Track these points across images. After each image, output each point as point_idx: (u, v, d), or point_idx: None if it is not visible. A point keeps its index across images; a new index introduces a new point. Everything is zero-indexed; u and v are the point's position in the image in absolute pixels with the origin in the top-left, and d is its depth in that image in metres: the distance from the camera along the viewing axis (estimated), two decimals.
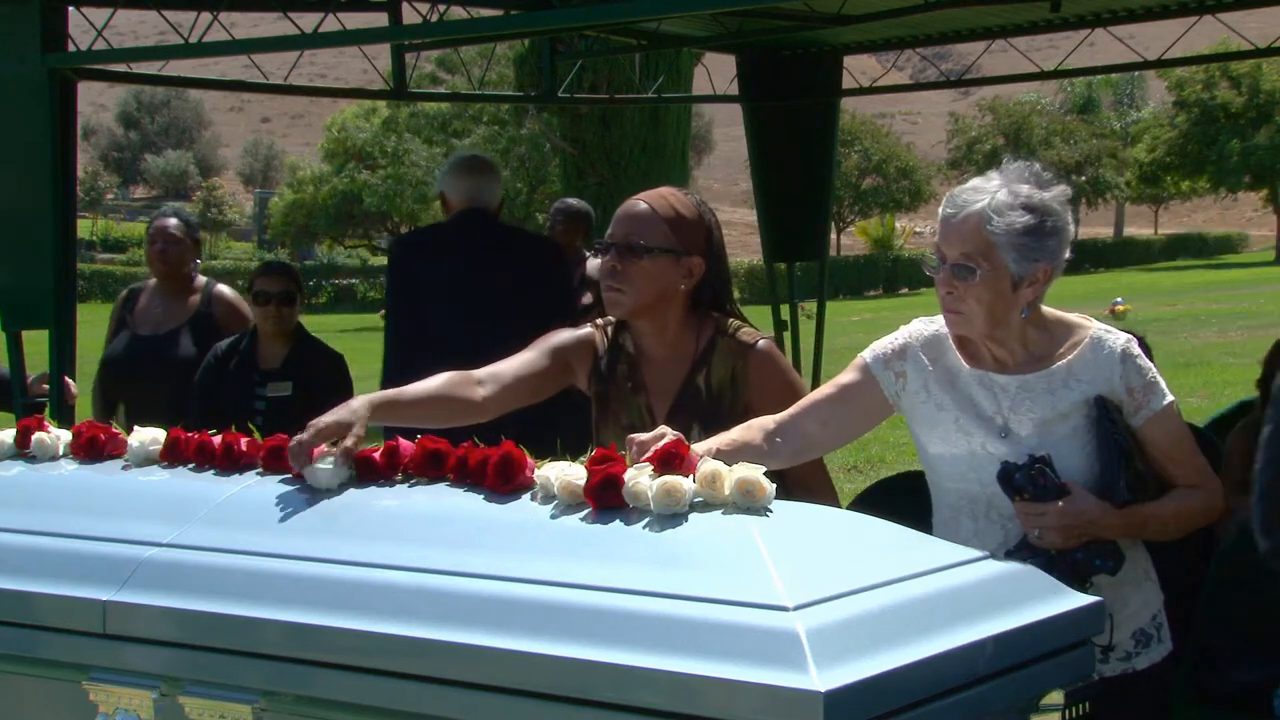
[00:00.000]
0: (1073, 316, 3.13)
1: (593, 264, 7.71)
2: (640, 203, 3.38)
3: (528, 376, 3.40)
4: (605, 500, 2.42)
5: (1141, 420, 3.01)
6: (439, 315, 5.30)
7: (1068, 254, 3.04)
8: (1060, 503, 2.90)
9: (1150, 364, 3.06)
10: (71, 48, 4.92)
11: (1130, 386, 3.00)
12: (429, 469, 2.68)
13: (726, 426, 3.26)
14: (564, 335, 3.53)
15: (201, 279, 6.06)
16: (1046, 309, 3.11)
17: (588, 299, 7.63)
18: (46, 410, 4.27)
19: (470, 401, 3.23)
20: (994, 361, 3.09)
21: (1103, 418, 2.99)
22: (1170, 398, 3.04)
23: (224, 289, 6.07)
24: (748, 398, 3.36)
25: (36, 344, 5.01)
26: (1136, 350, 3.03)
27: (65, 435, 3.14)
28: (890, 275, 50.04)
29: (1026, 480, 2.92)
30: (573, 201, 7.94)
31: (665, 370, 3.44)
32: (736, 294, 3.59)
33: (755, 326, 3.49)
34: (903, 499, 3.58)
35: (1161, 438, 3.02)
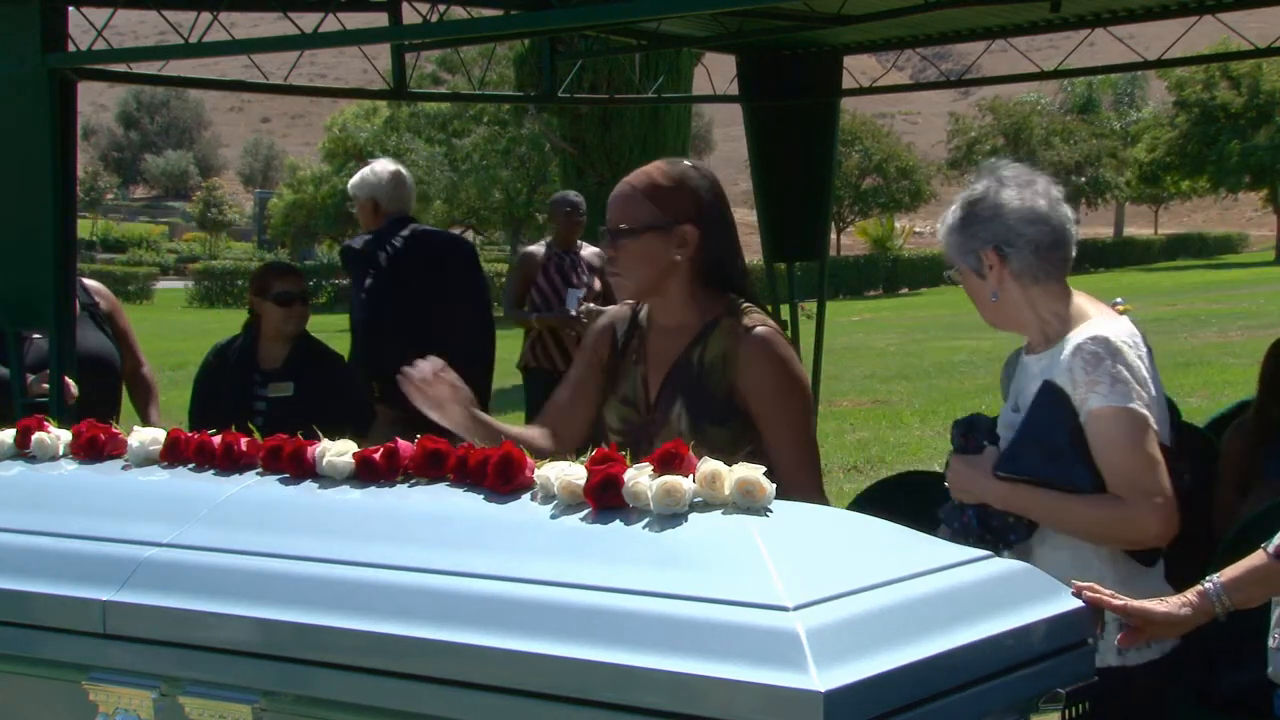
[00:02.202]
0: (1092, 309, 3.15)
1: (588, 250, 8.11)
2: (624, 184, 3.39)
3: (579, 391, 3.55)
4: (605, 500, 2.42)
5: (1083, 416, 3.01)
6: (410, 311, 5.94)
7: (1028, 231, 3.08)
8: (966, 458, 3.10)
9: (1113, 365, 3.00)
10: (71, 48, 4.91)
11: (1075, 379, 3.01)
12: (429, 469, 2.68)
13: (711, 405, 3.30)
14: (591, 329, 3.64)
15: None
16: (1082, 299, 3.17)
17: (598, 285, 8.03)
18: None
19: (542, 451, 3.24)
20: (1029, 346, 3.25)
21: (1037, 397, 3.06)
22: (1114, 403, 2.98)
23: (90, 280, 5.92)
24: (734, 379, 3.33)
25: None
26: (1096, 348, 3.01)
27: (65, 435, 3.14)
28: (890, 275, 49.98)
29: (954, 433, 3.16)
30: (573, 194, 8.71)
31: (667, 343, 3.42)
32: None
33: (768, 314, 3.45)
34: (903, 499, 3.59)
35: (1095, 438, 3.00)
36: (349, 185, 6.48)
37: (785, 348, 3.41)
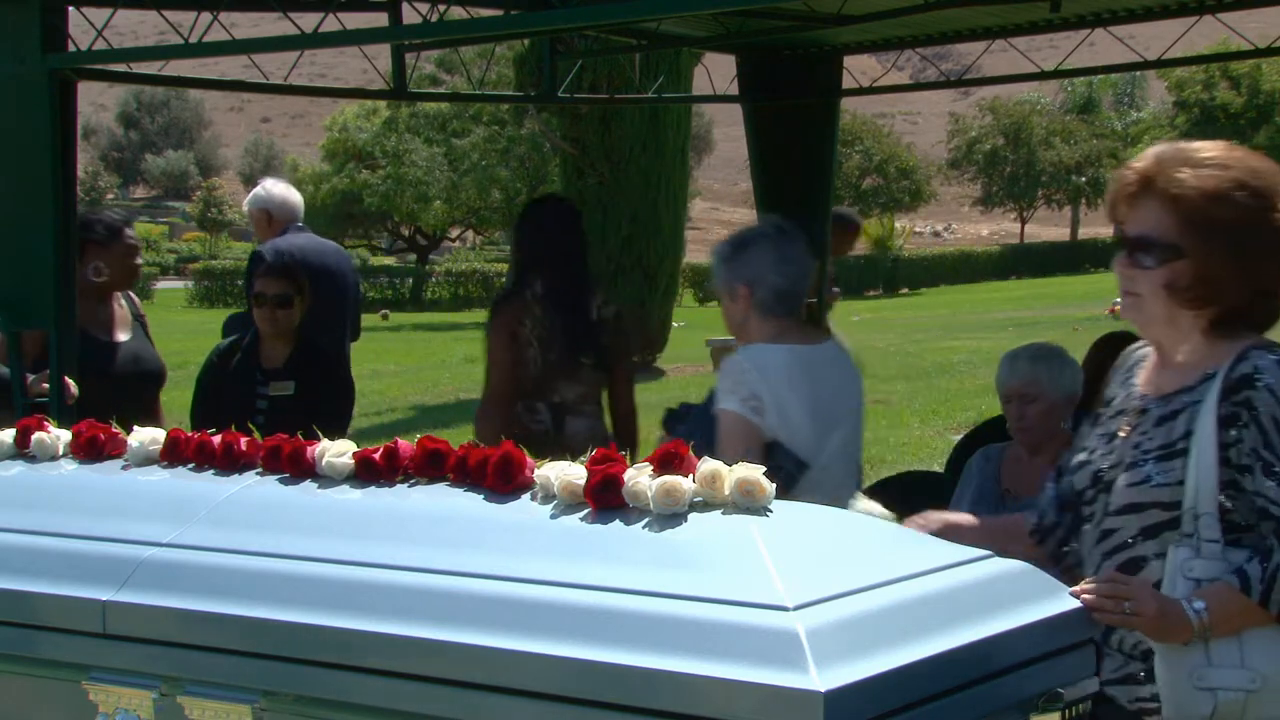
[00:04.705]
0: (783, 339, 3.82)
1: None
2: None
3: None
4: (605, 500, 2.42)
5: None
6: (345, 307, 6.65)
7: (771, 278, 3.81)
8: None
9: (731, 381, 3.74)
10: (71, 48, 4.92)
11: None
12: (429, 469, 2.68)
13: None
14: None
15: None
16: (784, 333, 3.85)
17: None
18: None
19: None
20: None
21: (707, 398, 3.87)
22: (722, 405, 3.73)
23: (132, 296, 5.96)
24: None
25: None
26: (726, 365, 3.81)
27: (65, 435, 3.14)
28: (890, 275, 49.97)
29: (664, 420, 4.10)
30: (844, 209, 9.27)
31: None
32: None
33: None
34: (903, 499, 3.58)
35: None
36: (244, 203, 7.10)
37: None
